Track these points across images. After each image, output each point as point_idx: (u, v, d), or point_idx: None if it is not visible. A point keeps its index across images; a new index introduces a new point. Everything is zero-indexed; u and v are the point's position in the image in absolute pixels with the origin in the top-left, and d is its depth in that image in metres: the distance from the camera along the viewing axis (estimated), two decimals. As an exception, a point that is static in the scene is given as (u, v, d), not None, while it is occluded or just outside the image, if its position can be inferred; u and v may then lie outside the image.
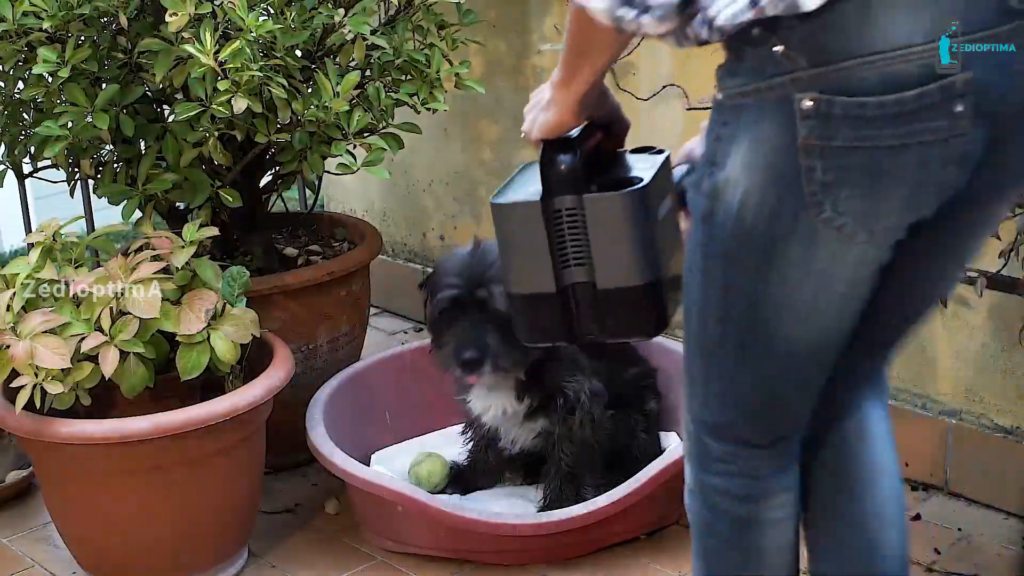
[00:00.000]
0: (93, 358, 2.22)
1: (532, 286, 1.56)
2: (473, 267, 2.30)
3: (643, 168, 1.58)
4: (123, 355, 2.23)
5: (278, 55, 2.37)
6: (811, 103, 1.30)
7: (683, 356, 1.58)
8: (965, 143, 1.34)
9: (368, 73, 2.61)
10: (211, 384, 2.41)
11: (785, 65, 1.32)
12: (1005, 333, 2.45)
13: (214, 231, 2.44)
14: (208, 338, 2.31)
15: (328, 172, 2.76)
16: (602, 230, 1.51)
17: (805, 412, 1.61)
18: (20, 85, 2.49)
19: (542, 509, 2.49)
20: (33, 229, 2.87)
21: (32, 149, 2.60)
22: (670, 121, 2.84)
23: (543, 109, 1.55)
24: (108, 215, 2.98)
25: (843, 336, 1.51)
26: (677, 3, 1.34)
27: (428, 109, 2.67)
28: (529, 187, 1.57)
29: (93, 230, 2.85)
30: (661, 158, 1.62)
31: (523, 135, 1.60)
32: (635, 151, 1.68)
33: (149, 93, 2.57)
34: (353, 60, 2.56)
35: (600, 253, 1.52)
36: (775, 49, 1.32)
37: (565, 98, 1.51)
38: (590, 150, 1.57)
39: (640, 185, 1.50)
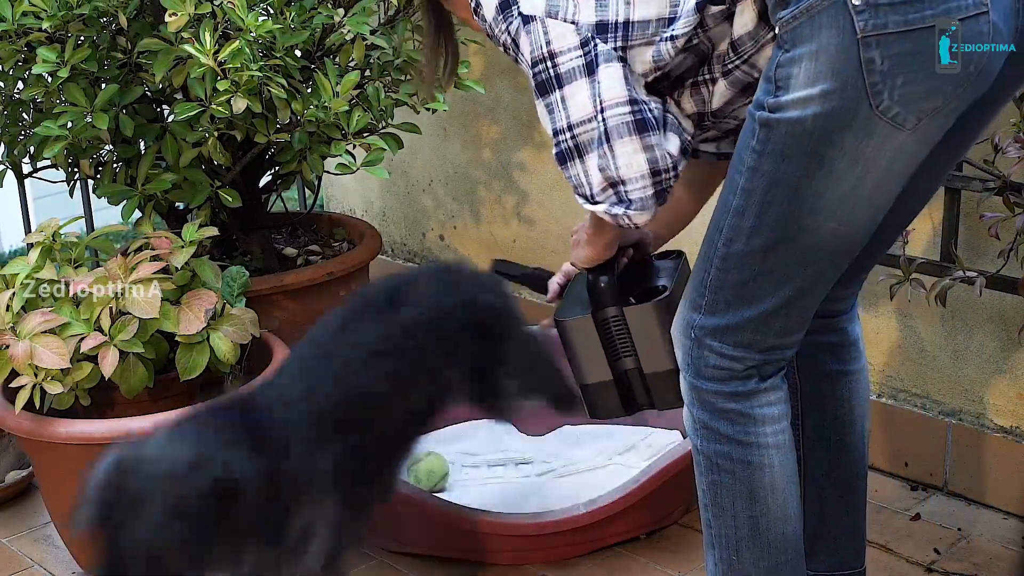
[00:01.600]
0: (93, 358, 2.22)
1: (594, 377, 1.96)
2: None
3: (667, 274, 1.96)
4: (123, 355, 2.23)
5: (278, 55, 2.37)
6: None
7: (693, 270, 1.74)
8: (996, 25, 1.53)
9: (368, 73, 2.61)
10: (211, 384, 2.41)
11: None
12: (1005, 333, 2.45)
13: (214, 231, 2.44)
14: (208, 338, 2.31)
15: (328, 172, 2.76)
16: (641, 331, 1.90)
17: (805, 320, 1.74)
18: (20, 85, 2.49)
19: None
20: (33, 229, 2.86)
21: (32, 149, 2.60)
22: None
23: (583, 246, 1.90)
24: (108, 215, 2.98)
25: (866, 233, 1.68)
26: (651, 195, 1.68)
27: (428, 109, 2.67)
28: (580, 301, 1.95)
29: (93, 230, 2.84)
30: (679, 261, 2.00)
31: (572, 264, 2.00)
32: (659, 256, 2.03)
33: (149, 93, 2.57)
34: (353, 60, 2.56)
35: (642, 347, 1.91)
36: None
37: (596, 246, 1.89)
38: (624, 266, 1.96)
39: (665, 295, 1.90)
